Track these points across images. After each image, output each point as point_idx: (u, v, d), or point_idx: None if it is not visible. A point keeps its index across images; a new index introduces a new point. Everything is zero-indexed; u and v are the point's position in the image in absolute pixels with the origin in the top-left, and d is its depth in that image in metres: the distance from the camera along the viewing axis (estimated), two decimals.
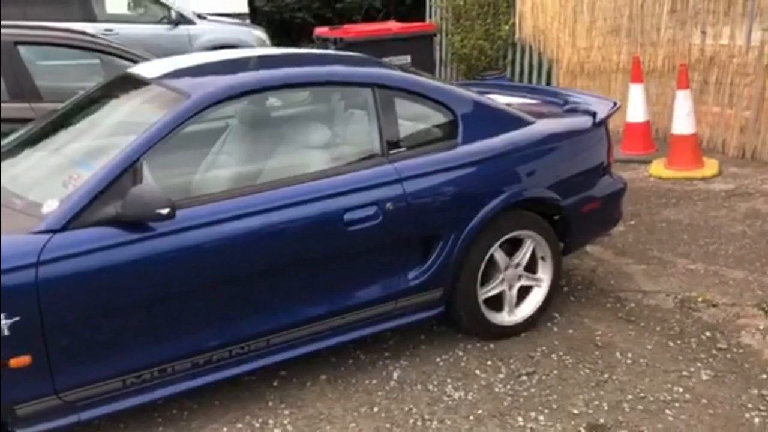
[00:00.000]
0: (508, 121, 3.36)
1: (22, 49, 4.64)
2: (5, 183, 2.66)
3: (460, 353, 3.27)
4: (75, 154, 2.82)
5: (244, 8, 11.54)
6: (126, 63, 4.77)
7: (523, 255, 3.36)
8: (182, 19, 8.57)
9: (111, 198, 2.44)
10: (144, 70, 3.21)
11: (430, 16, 9.69)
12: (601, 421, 2.78)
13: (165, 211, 2.38)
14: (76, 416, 2.49)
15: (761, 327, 3.47)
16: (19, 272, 2.29)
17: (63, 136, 3.03)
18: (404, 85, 3.15)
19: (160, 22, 8.51)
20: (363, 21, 12.40)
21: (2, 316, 2.26)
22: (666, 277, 4.02)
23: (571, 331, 3.47)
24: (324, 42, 8.06)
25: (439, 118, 3.22)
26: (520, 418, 2.80)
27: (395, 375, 3.11)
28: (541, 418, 2.80)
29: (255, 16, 12.18)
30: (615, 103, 3.81)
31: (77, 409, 2.48)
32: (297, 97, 3.23)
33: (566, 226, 3.49)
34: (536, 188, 3.31)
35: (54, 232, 2.37)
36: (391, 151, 3.02)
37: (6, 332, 2.28)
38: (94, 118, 3.08)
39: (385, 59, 7.94)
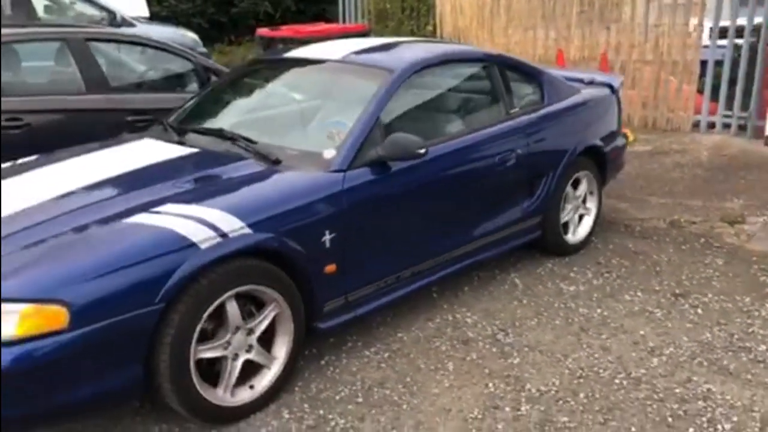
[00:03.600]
0: (568, 89, 4.50)
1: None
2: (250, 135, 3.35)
3: (550, 265, 4.35)
4: (307, 114, 3.56)
5: (145, 12, 11.71)
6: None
7: (583, 190, 4.52)
8: (124, 22, 8.84)
9: (369, 145, 3.24)
10: (312, 53, 3.96)
11: (345, 19, 10.62)
12: (678, 291, 3.99)
13: (422, 150, 3.23)
14: (353, 313, 3.25)
15: (732, 232, 4.89)
16: (334, 197, 3.05)
17: (268, 100, 3.75)
18: (512, 62, 4.20)
19: (100, 23, 8.70)
20: (258, 25, 13.01)
21: (327, 231, 3.01)
22: (649, 209, 5.37)
23: (611, 246, 4.67)
24: (270, 41, 8.73)
25: (531, 86, 4.28)
26: (626, 296, 3.94)
27: (518, 282, 4.12)
28: (639, 293, 3.96)
29: (152, 21, 12.35)
30: (620, 79, 5.10)
31: (354, 307, 3.25)
32: (451, 71, 4.11)
33: (604, 168, 4.70)
34: (594, 138, 4.49)
35: (344, 170, 3.14)
36: (510, 111, 4.04)
37: (327, 245, 3.03)
38: (293, 86, 3.82)
39: None
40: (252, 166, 3.13)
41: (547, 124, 4.17)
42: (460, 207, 3.70)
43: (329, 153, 3.19)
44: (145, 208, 2.74)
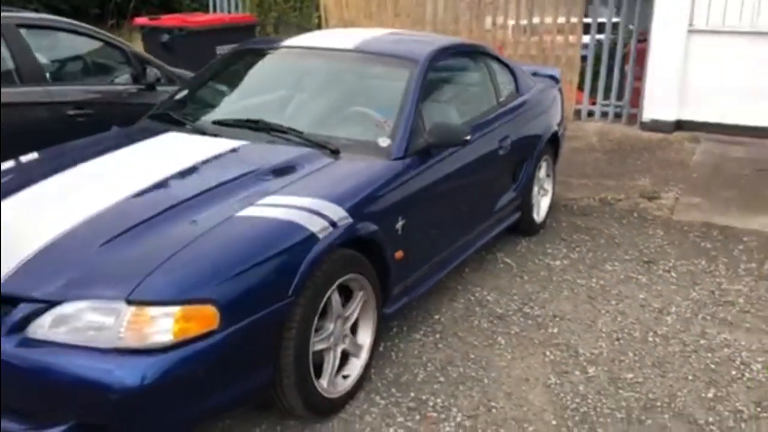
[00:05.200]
0: (530, 80, 4.83)
1: None
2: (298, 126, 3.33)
3: (525, 243, 4.66)
4: (340, 103, 3.54)
5: None
6: None
7: (545, 171, 4.89)
8: None
9: (416, 133, 3.32)
10: (318, 42, 3.93)
11: (216, 9, 10.30)
12: (645, 259, 4.47)
13: (468, 137, 3.37)
14: (408, 297, 3.32)
15: (655, 206, 5.52)
16: (402, 185, 3.10)
17: (293, 90, 3.70)
18: (494, 54, 4.44)
19: None
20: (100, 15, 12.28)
21: (399, 218, 3.06)
22: (575, 189, 5.88)
23: (564, 224, 5.08)
24: (152, 31, 8.28)
25: (508, 76, 4.55)
26: (607, 266, 4.35)
27: (508, 260, 4.39)
28: (617, 264, 4.37)
29: None
30: (559, 71, 5.54)
31: (409, 291, 3.32)
32: (453, 60, 4.21)
33: (557, 152, 5.11)
34: (555, 124, 4.87)
35: (401, 158, 3.20)
36: (500, 100, 4.29)
37: (399, 231, 3.08)
38: (312, 75, 3.78)
39: (219, 47, 8.62)
40: (317, 156, 3.10)
41: (525, 112, 4.47)
42: (481, 189, 3.91)
43: (384, 142, 3.23)
44: (250, 201, 2.64)
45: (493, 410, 2.88)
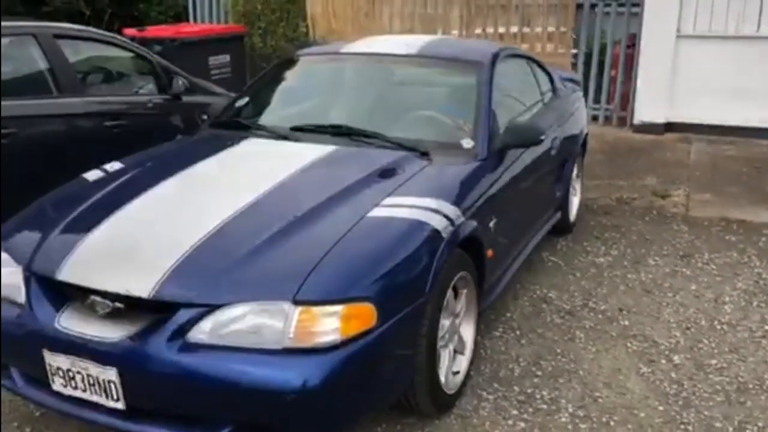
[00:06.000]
0: (561, 83, 4.98)
1: None
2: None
3: (563, 242, 4.80)
4: (413, 106, 3.60)
5: None
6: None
7: (576, 172, 5.04)
8: None
9: (494, 134, 3.41)
10: (380, 48, 4.01)
11: (196, 19, 10.20)
12: (681, 253, 4.64)
13: (543, 136, 3.47)
14: (493, 295, 3.38)
15: (670, 204, 5.74)
16: (492, 185, 3.18)
17: (363, 95, 3.75)
18: (536, 58, 4.57)
19: None
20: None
21: (492, 217, 3.13)
22: (590, 190, 6.05)
23: (591, 223, 5.24)
24: (143, 42, 8.16)
25: (546, 78, 4.68)
26: (650, 261, 4.51)
27: (554, 259, 4.51)
28: (657, 258, 4.54)
29: None
30: (578, 76, 5.71)
31: (492, 289, 3.39)
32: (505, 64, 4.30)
33: (584, 153, 5.27)
34: (585, 125, 5.05)
35: (485, 159, 3.27)
36: (544, 101, 4.42)
37: (492, 230, 3.15)
38: (379, 80, 3.84)
39: (211, 57, 8.57)
40: (412, 159, 3.14)
41: (564, 114, 4.61)
42: (540, 189, 4.02)
43: (468, 143, 3.31)
44: (374, 203, 2.67)
45: (599, 400, 2.98)
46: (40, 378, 2.41)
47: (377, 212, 2.62)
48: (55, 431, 2.80)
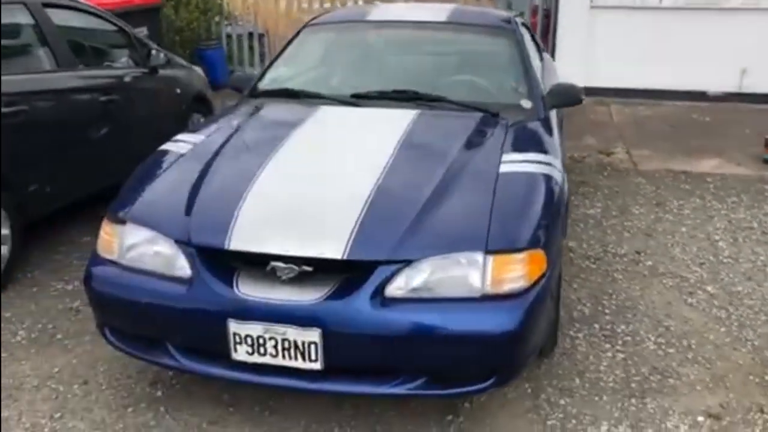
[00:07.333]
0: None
1: None
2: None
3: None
4: (463, 71, 3.76)
5: None
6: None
7: None
8: None
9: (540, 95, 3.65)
10: (408, 15, 4.14)
11: None
12: (654, 202, 5.14)
13: (583, 96, 3.75)
14: None
15: (616, 160, 6.28)
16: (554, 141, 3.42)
17: (409, 61, 3.88)
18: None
19: None
20: None
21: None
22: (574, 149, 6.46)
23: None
24: None
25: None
26: (669, 206, 4.97)
27: None
28: (671, 203, 5.00)
29: None
30: None
31: None
32: None
33: None
34: None
35: (542, 119, 3.50)
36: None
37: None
38: (419, 46, 3.98)
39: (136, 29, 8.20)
40: (491, 120, 3.28)
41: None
42: None
43: (527, 104, 3.52)
44: (497, 161, 2.81)
45: (671, 328, 3.34)
46: (213, 350, 2.38)
47: (506, 168, 2.77)
48: (187, 410, 2.75)
